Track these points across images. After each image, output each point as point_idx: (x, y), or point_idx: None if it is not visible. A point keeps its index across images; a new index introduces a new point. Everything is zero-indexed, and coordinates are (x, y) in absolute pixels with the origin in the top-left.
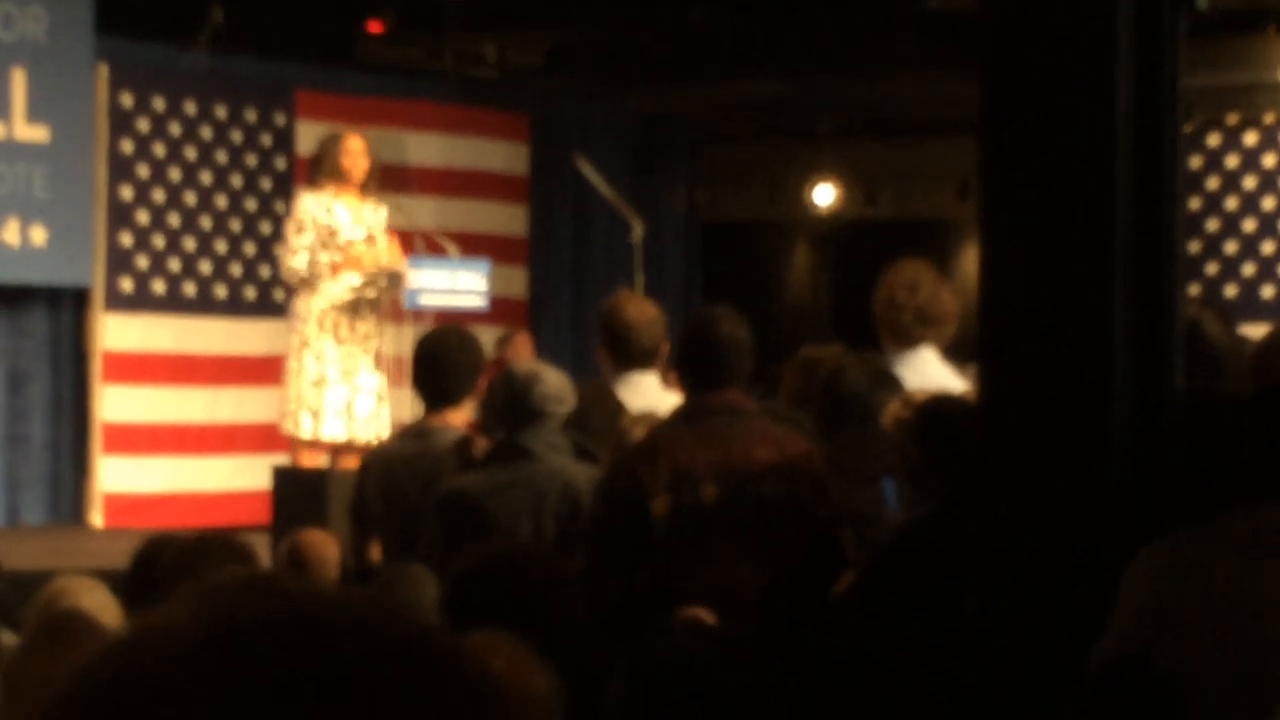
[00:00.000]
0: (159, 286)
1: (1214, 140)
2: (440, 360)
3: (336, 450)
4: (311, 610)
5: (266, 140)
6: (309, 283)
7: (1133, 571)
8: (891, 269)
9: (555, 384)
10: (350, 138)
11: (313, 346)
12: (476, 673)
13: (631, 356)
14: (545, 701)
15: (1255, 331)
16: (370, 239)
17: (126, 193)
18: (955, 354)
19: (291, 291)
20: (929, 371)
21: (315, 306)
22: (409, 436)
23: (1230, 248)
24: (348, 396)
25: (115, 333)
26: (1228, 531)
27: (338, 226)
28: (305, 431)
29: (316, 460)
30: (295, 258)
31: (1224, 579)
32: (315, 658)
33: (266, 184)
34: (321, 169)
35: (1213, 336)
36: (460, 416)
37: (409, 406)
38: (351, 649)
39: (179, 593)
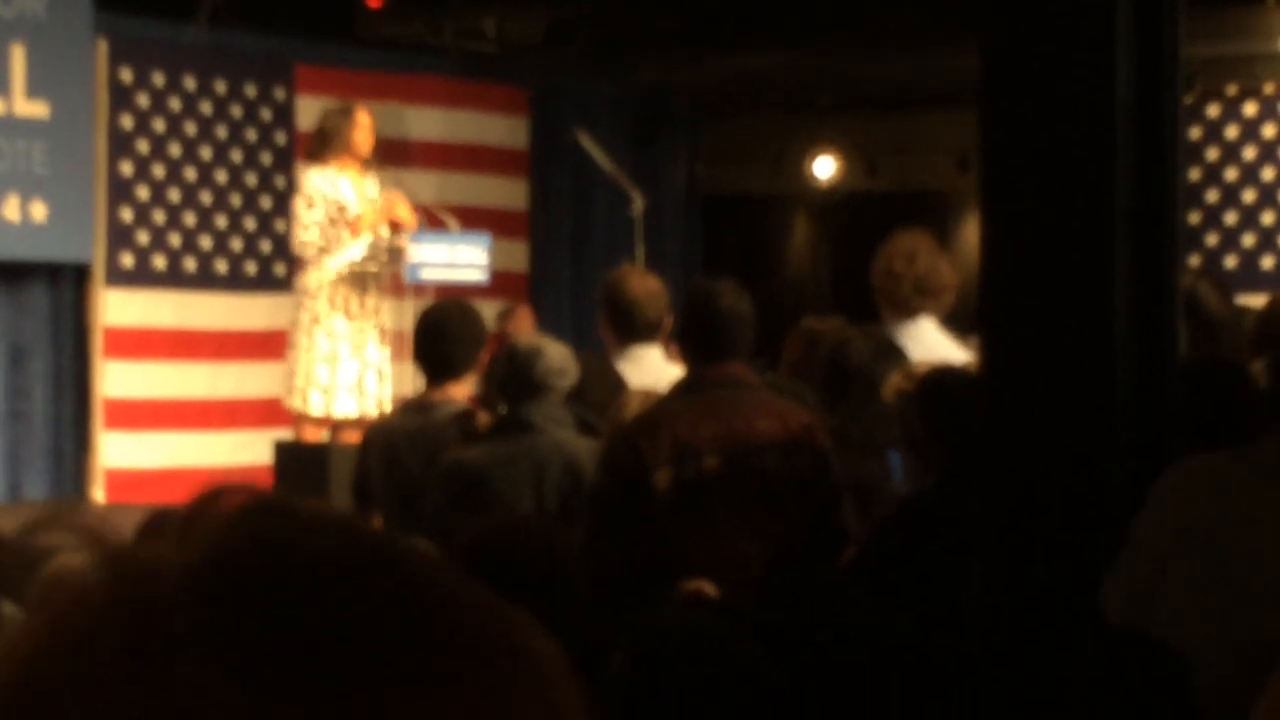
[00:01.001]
0: (159, 262)
1: (1213, 111)
2: (442, 334)
3: (339, 425)
4: (307, 549)
5: (266, 115)
6: (324, 254)
7: (1158, 486)
8: (890, 240)
9: (558, 357)
10: (361, 112)
11: (324, 323)
12: (463, 608)
13: (635, 330)
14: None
15: (1255, 302)
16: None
17: (126, 168)
18: (953, 324)
19: (294, 267)
20: (929, 341)
21: (324, 281)
22: (410, 410)
23: (1230, 218)
24: (359, 371)
25: (116, 308)
26: (1252, 456)
27: (345, 202)
28: (316, 408)
29: (319, 435)
30: (308, 232)
31: (1244, 499)
32: (303, 601)
33: (266, 159)
34: (331, 144)
35: (1210, 306)
36: (462, 390)
37: (410, 380)
38: (342, 586)
39: (159, 528)
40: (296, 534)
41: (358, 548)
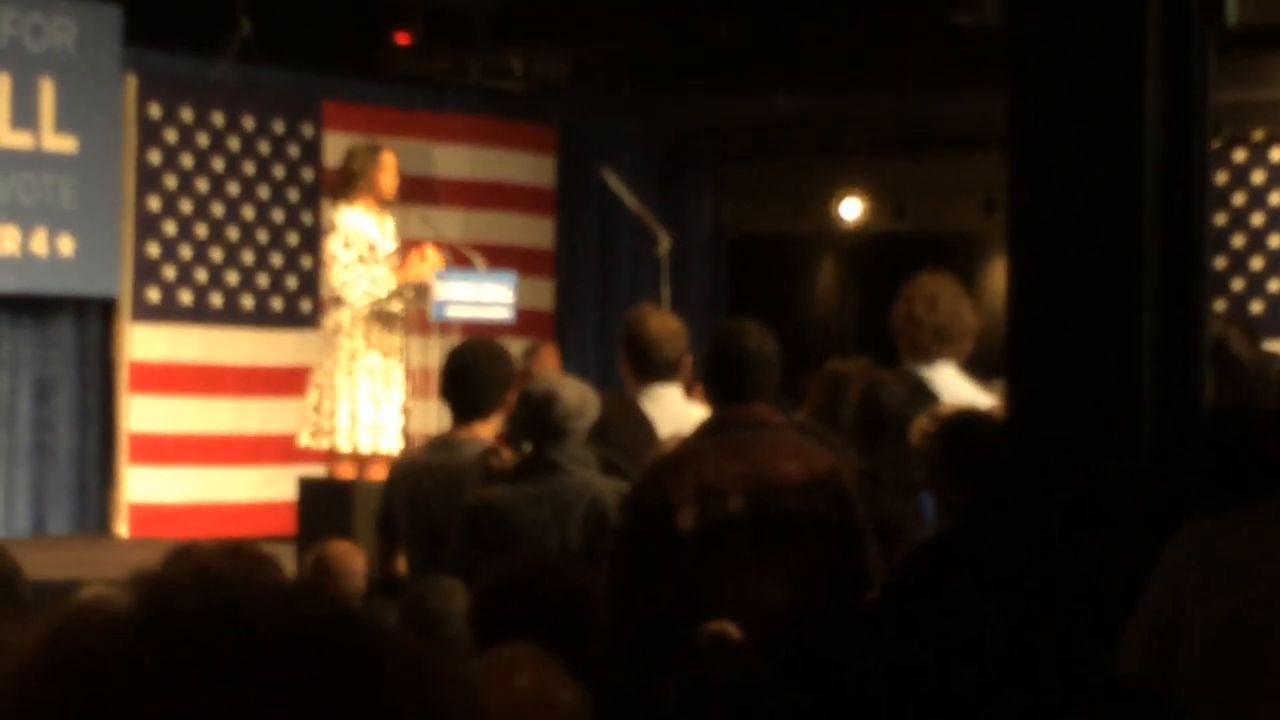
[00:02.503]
0: (186, 297)
1: (1240, 156)
2: (470, 373)
3: (365, 462)
4: (249, 606)
5: (294, 151)
6: (366, 295)
7: (1173, 546)
8: (912, 283)
9: (574, 399)
10: (386, 153)
11: (361, 361)
12: (405, 665)
13: (654, 369)
14: (572, 715)
15: None
16: (400, 252)
17: (154, 203)
18: (977, 366)
19: (320, 303)
20: (950, 385)
21: (358, 317)
22: (436, 448)
23: (1257, 263)
24: (380, 409)
25: (142, 343)
26: (1268, 510)
27: (375, 241)
28: (347, 445)
29: (351, 472)
30: (349, 271)
31: (1261, 554)
32: (241, 650)
33: (294, 195)
34: (356, 185)
35: (1240, 353)
36: (488, 429)
37: (435, 418)
38: (277, 641)
39: (139, 579)
40: (227, 589)
41: (295, 618)
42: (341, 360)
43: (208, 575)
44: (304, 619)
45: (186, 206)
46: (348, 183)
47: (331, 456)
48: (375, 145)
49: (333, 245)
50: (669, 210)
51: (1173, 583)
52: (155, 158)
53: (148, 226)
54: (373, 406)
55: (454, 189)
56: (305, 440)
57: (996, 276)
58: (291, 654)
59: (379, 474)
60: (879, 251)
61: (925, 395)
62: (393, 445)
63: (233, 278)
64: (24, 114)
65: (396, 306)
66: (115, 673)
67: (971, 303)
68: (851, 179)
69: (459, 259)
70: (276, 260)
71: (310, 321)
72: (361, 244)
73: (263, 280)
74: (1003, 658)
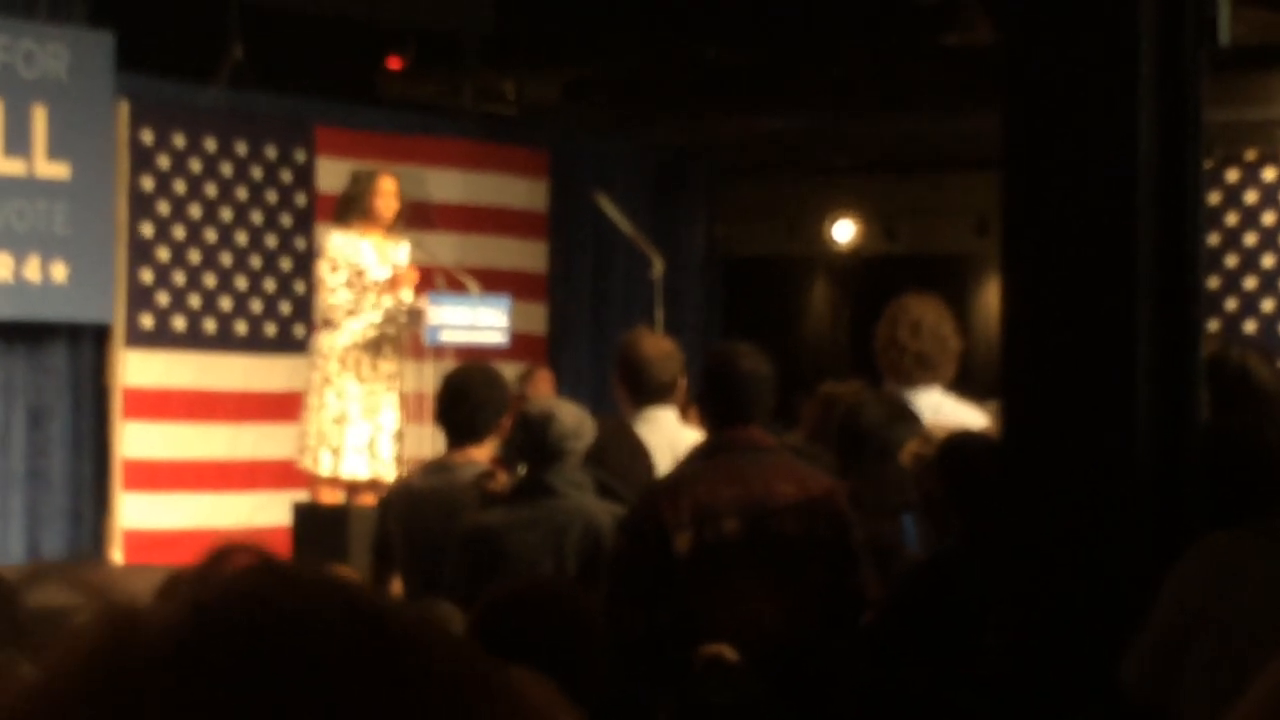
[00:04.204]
0: (179, 323)
1: (1233, 176)
2: (466, 397)
3: (355, 488)
4: (297, 613)
5: (286, 177)
6: (351, 316)
7: (1185, 558)
8: (896, 304)
9: (571, 422)
10: (384, 178)
11: (335, 384)
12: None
13: (648, 391)
14: None
15: None
16: (394, 279)
17: (147, 229)
18: (968, 386)
19: (313, 328)
20: (934, 406)
21: (338, 344)
22: (431, 472)
23: (1250, 283)
24: (370, 434)
25: (136, 369)
26: (1271, 531)
27: (364, 266)
28: (325, 469)
29: (336, 497)
30: (335, 295)
31: (1272, 568)
32: (294, 663)
33: (287, 220)
34: (352, 209)
35: (1263, 379)
36: (483, 453)
37: (430, 442)
38: (330, 652)
39: (174, 589)
40: (289, 598)
41: (354, 617)
42: (315, 382)
43: (246, 576)
44: (371, 628)
45: (179, 232)
46: (346, 208)
47: (311, 480)
48: (373, 170)
49: (321, 269)
50: (662, 233)
51: (1183, 594)
52: (148, 184)
53: (141, 252)
54: (338, 429)
55: (447, 213)
56: (298, 463)
57: (990, 297)
58: (350, 665)
59: (366, 499)
60: (872, 273)
61: (906, 417)
62: (356, 469)
63: (226, 303)
64: (17, 140)
65: (391, 331)
66: (145, 684)
67: (956, 324)
68: (844, 201)
69: (453, 283)
70: (270, 286)
71: (303, 346)
72: (349, 268)
73: (256, 306)
74: (999, 678)
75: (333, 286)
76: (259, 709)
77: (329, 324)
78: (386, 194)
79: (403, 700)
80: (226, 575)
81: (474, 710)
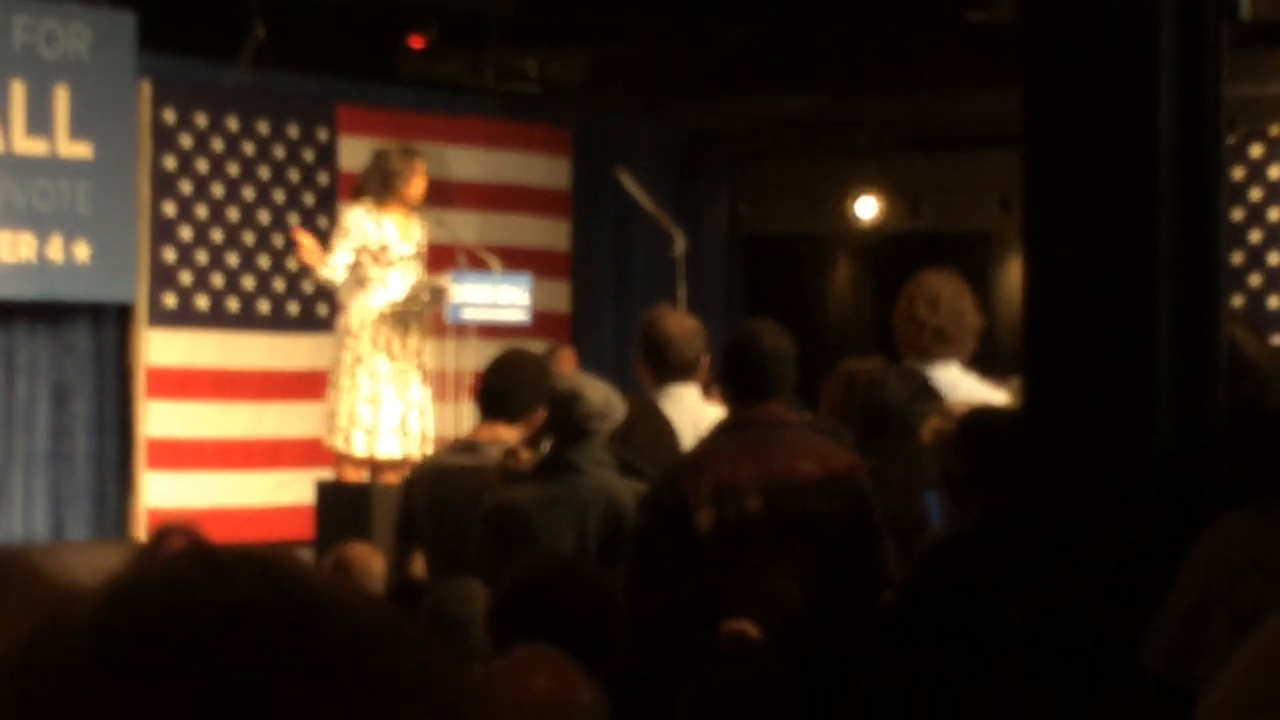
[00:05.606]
0: (202, 302)
1: (1257, 151)
2: (508, 373)
3: (380, 466)
4: (211, 596)
5: (309, 156)
6: (359, 288)
7: (1203, 537)
8: (914, 281)
9: (598, 401)
10: (420, 161)
11: (366, 363)
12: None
13: (671, 369)
14: (590, 715)
15: None
16: (419, 254)
17: (169, 209)
18: (988, 366)
19: (336, 307)
20: (954, 383)
21: (367, 320)
22: (457, 450)
23: (1274, 259)
24: (402, 411)
25: (159, 348)
26: None
27: (388, 242)
28: (359, 449)
29: (360, 475)
30: (334, 256)
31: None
32: (205, 644)
33: (309, 199)
34: (389, 185)
35: (1251, 351)
36: (512, 434)
37: (452, 420)
38: (244, 633)
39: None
40: (208, 581)
41: (276, 597)
42: (346, 362)
43: (176, 572)
44: (293, 605)
45: (202, 211)
46: (381, 184)
47: (337, 459)
48: (410, 150)
49: (334, 237)
50: (684, 211)
51: (1201, 574)
52: (170, 163)
53: (163, 232)
54: (371, 409)
55: (469, 192)
56: (328, 441)
57: (1012, 275)
58: (267, 641)
59: (389, 477)
60: (895, 250)
61: (928, 393)
62: (391, 449)
63: (249, 282)
64: (39, 121)
65: (414, 308)
66: (72, 685)
67: (975, 300)
68: (867, 178)
69: (475, 262)
70: (292, 265)
71: (327, 325)
72: (371, 244)
73: (279, 284)
74: (1021, 657)
75: (334, 249)
76: (166, 690)
77: (361, 283)
78: (424, 175)
79: (320, 683)
80: (160, 558)
81: (398, 692)
